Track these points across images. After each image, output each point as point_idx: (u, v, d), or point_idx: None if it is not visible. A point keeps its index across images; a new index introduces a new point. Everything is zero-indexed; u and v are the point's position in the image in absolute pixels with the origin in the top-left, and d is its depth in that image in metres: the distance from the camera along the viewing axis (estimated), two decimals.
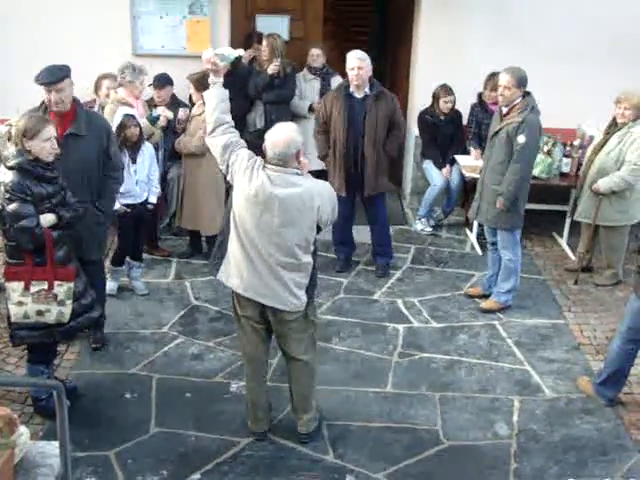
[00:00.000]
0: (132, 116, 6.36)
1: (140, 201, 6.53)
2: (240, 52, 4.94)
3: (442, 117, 8.16)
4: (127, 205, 6.42)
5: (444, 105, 8.08)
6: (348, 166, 6.88)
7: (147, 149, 6.52)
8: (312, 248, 4.60)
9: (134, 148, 6.38)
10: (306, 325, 4.78)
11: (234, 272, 4.59)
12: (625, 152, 6.77)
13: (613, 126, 6.92)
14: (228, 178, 4.58)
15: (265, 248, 4.46)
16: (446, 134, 8.26)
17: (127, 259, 6.73)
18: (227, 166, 4.53)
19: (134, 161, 6.40)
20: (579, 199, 7.16)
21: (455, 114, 8.22)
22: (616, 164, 6.82)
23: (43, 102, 5.20)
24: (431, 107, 8.21)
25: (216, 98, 4.62)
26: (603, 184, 6.82)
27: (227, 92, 4.66)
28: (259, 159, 4.49)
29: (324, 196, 4.51)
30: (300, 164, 4.49)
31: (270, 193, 4.36)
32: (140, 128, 6.41)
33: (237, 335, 4.94)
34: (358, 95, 6.82)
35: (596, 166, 6.93)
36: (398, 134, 7.09)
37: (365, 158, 6.87)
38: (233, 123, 4.68)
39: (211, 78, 4.66)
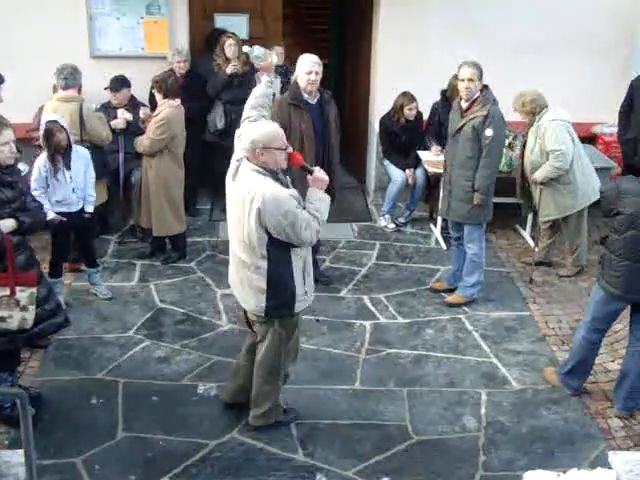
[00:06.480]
0: (55, 121, 5.99)
1: (76, 210, 6.18)
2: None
3: (405, 124, 8.13)
4: (62, 214, 6.06)
5: (409, 112, 8.05)
6: None
7: (81, 152, 6.21)
8: (264, 254, 4.44)
9: (65, 153, 6.04)
10: (272, 335, 4.72)
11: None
12: (544, 144, 6.85)
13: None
14: None
15: (232, 242, 4.63)
16: (408, 138, 8.24)
17: (83, 267, 6.66)
18: None
19: (68, 167, 6.05)
20: (538, 202, 7.14)
21: (416, 116, 8.21)
22: (542, 157, 6.90)
23: None
24: (393, 116, 8.13)
25: (254, 93, 4.97)
26: (539, 175, 6.93)
27: (268, 90, 4.97)
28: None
29: (267, 202, 4.28)
30: (262, 162, 4.37)
31: (230, 184, 4.51)
32: (66, 131, 6.05)
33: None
34: (312, 101, 6.48)
35: (528, 166, 7.08)
36: (339, 138, 6.74)
37: (333, 167, 6.47)
38: (256, 117, 4.81)
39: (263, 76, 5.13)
